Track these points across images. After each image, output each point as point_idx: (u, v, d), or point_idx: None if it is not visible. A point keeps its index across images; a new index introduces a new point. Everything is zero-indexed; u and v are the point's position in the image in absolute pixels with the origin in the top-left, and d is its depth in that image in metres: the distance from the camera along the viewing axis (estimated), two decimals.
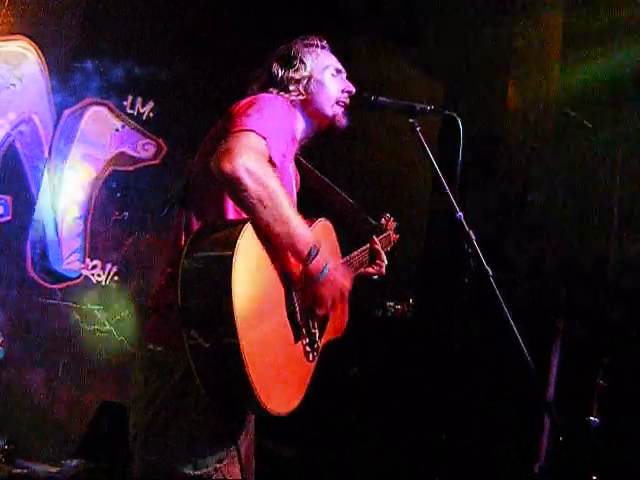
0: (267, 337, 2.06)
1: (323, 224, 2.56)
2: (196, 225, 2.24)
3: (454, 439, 4.61)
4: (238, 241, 1.98)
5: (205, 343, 1.97)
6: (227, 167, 2.02)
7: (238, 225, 2.05)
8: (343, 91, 2.64)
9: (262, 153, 2.11)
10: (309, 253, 2.16)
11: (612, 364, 4.41)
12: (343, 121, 2.64)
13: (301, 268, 2.22)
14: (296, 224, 2.12)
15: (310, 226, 2.44)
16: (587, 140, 5.08)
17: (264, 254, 2.11)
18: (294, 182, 2.55)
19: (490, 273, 2.32)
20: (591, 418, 4.26)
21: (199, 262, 2.03)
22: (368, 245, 2.91)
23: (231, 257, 1.95)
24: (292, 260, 2.21)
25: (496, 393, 4.51)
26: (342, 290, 2.30)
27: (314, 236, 2.20)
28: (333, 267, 2.27)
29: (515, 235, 4.85)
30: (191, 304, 2.01)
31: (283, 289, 2.18)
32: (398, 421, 5.01)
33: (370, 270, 2.95)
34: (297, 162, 2.74)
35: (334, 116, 2.61)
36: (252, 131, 2.12)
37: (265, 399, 2.00)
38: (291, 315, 2.21)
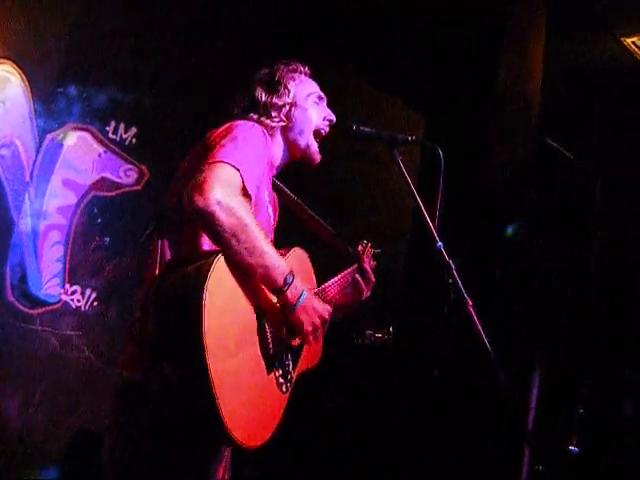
0: (238, 370, 2.05)
1: (297, 253, 2.55)
2: (169, 255, 2.24)
3: (433, 468, 4.60)
4: (209, 274, 1.97)
5: (175, 377, 1.96)
6: (200, 201, 2.02)
7: (210, 257, 2.04)
8: (324, 119, 2.65)
9: (235, 185, 2.11)
10: (285, 281, 2.16)
11: (590, 392, 4.42)
12: (317, 156, 2.65)
13: (275, 298, 2.22)
14: (270, 255, 2.13)
15: (284, 255, 2.43)
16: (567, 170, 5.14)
17: (236, 286, 2.10)
18: (271, 209, 2.54)
19: (470, 303, 2.33)
20: (571, 447, 4.26)
21: (170, 296, 2.02)
22: (345, 273, 2.91)
23: (201, 291, 1.94)
24: (265, 291, 2.21)
25: (476, 422, 4.51)
26: (322, 315, 2.30)
27: (288, 265, 2.20)
28: (309, 293, 2.28)
29: (495, 264, 4.87)
30: (162, 337, 2.01)
31: (255, 320, 2.17)
32: (376, 448, 4.99)
33: (348, 299, 2.94)
34: (275, 187, 2.74)
35: (308, 147, 2.61)
36: (225, 163, 2.12)
37: (237, 433, 2.00)
38: (263, 346, 2.19)
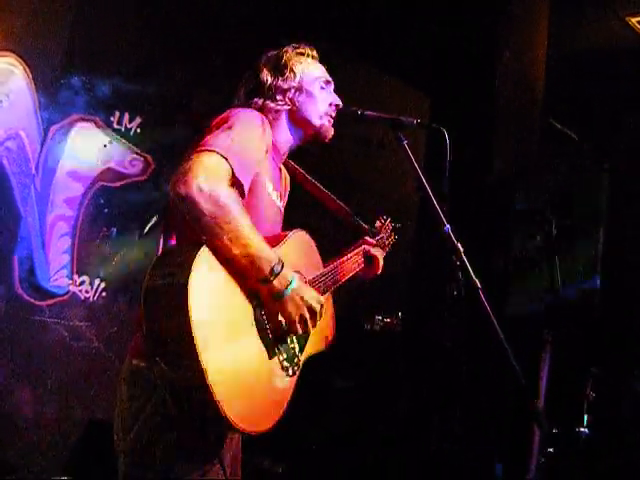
0: (234, 359, 2.04)
1: (297, 236, 2.50)
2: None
3: (443, 450, 4.61)
4: (193, 265, 1.96)
5: (170, 369, 1.97)
6: (182, 190, 2.00)
7: (195, 248, 2.02)
8: (331, 104, 2.64)
9: (221, 173, 2.08)
10: (272, 271, 2.11)
11: (600, 374, 4.42)
12: (329, 133, 2.63)
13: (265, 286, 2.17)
14: (255, 244, 2.09)
15: (282, 239, 2.40)
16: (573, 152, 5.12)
17: (224, 274, 2.08)
18: (276, 195, 2.53)
19: (479, 285, 2.33)
20: (581, 429, 4.26)
21: (157, 289, 2.01)
22: (357, 250, 2.88)
23: (186, 283, 1.93)
24: (254, 280, 2.17)
25: (486, 405, 4.51)
26: (311, 306, 2.24)
27: (284, 251, 2.20)
28: (300, 282, 2.23)
29: (502, 247, 4.86)
30: (153, 331, 2.00)
31: (250, 306, 2.15)
32: (387, 433, 5.00)
33: (363, 274, 2.92)
34: (289, 169, 2.73)
35: (321, 127, 2.60)
36: (212, 151, 2.10)
37: (237, 419, 1.99)
38: (262, 333, 2.18)
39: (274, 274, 2.12)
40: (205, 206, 2.00)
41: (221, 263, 2.07)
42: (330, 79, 2.68)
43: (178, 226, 2.28)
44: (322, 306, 2.29)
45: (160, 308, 1.99)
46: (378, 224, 3.10)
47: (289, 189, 2.77)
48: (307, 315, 2.22)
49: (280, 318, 2.21)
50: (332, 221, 2.84)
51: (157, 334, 1.99)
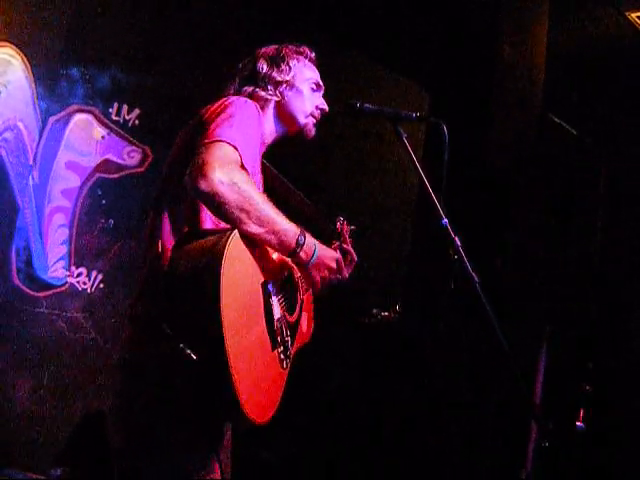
0: (251, 347, 2.08)
1: None
2: (168, 232, 2.24)
3: (440, 444, 4.62)
4: (225, 251, 1.99)
5: (192, 354, 1.97)
6: (203, 184, 2.04)
7: (225, 233, 2.06)
8: (317, 107, 2.67)
9: (234, 162, 2.12)
10: (297, 242, 2.20)
11: (597, 369, 4.43)
12: (312, 132, 2.67)
13: (287, 263, 2.31)
14: (279, 220, 2.17)
15: None
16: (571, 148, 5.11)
17: (248, 263, 2.13)
18: (261, 185, 2.57)
19: (476, 279, 2.33)
20: (578, 423, 4.28)
21: (185, 272, 2.03)
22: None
23: (219, 267, 1.96)
24: (272, 265, 2.25)
25: (482, 399, 4.52)
26: (330, 266, 2.37)
27: (298, 226, 2.25)
28: (321, 248, 2.34)
29: (500, 241, 4.86)
30: (178, 315, 2.01)
31: (262, 297, 2.18)
32: (382, 427, 5.01)
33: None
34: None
35: (305, 125, 2.64)
36: (223, 141, 2.13)
37: (250, 411, 2.01)
38: (268, 324, 2.21)
39: (299, 245, 2.22)
40: (229, 196, 2.05)
41: (248, 250, 2.13)
42: (322, 84, 2.72)
43: (173, 212, 2.28)
44: (339, 261, 2.44)
45: (188, 291, 2.01)
46: (338, 225, 3.11)
47: None
48: (327, 277, 2.38)
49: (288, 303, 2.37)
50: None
51: (182, 317, 2.00)
